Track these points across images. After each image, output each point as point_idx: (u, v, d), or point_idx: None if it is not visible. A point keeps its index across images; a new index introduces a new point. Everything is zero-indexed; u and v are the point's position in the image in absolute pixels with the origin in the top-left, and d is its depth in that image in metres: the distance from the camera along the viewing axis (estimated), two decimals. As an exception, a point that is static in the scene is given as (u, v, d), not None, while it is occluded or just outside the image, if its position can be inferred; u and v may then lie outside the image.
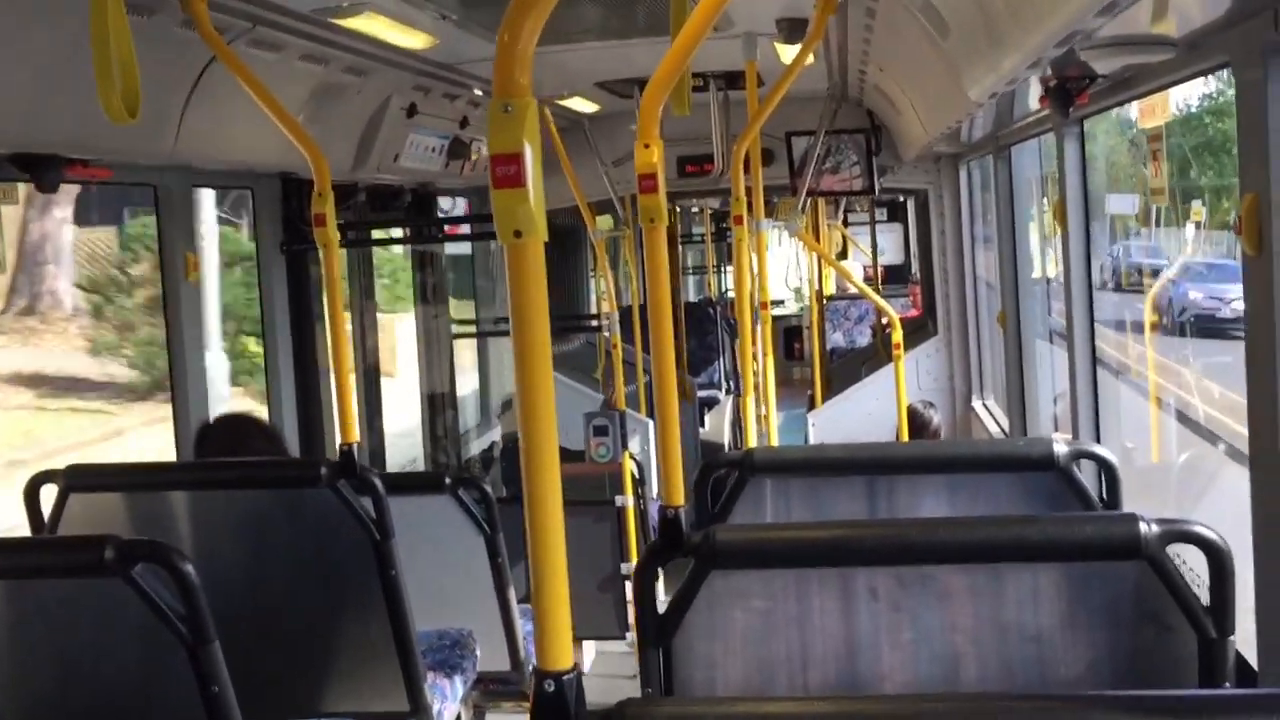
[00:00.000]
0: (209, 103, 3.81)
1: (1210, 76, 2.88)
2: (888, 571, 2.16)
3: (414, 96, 5.18)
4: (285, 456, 3.75)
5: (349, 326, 6.37)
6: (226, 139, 4.12)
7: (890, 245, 13.91)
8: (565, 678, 1.39)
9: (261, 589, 3.34)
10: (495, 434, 8.26)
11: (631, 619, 6.22)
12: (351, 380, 3.45)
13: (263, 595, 3.34)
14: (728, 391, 11.30)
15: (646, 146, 2.20)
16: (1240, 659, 2.47)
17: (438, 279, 7.14)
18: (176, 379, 4.28)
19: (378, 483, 3.18)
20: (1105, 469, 2.76)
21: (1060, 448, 2.73)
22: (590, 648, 6.67)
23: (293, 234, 5.02)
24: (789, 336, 12.15)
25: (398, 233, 6.49)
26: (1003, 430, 6.65)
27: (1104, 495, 2.78)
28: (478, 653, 3.91)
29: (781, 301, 14.99)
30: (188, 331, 4.27)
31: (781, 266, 15.24)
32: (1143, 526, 2.00)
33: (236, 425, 3.76)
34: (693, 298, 15.21)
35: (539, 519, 1.38)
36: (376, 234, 6.17)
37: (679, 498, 2.26)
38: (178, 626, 2.23)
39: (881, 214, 12.28)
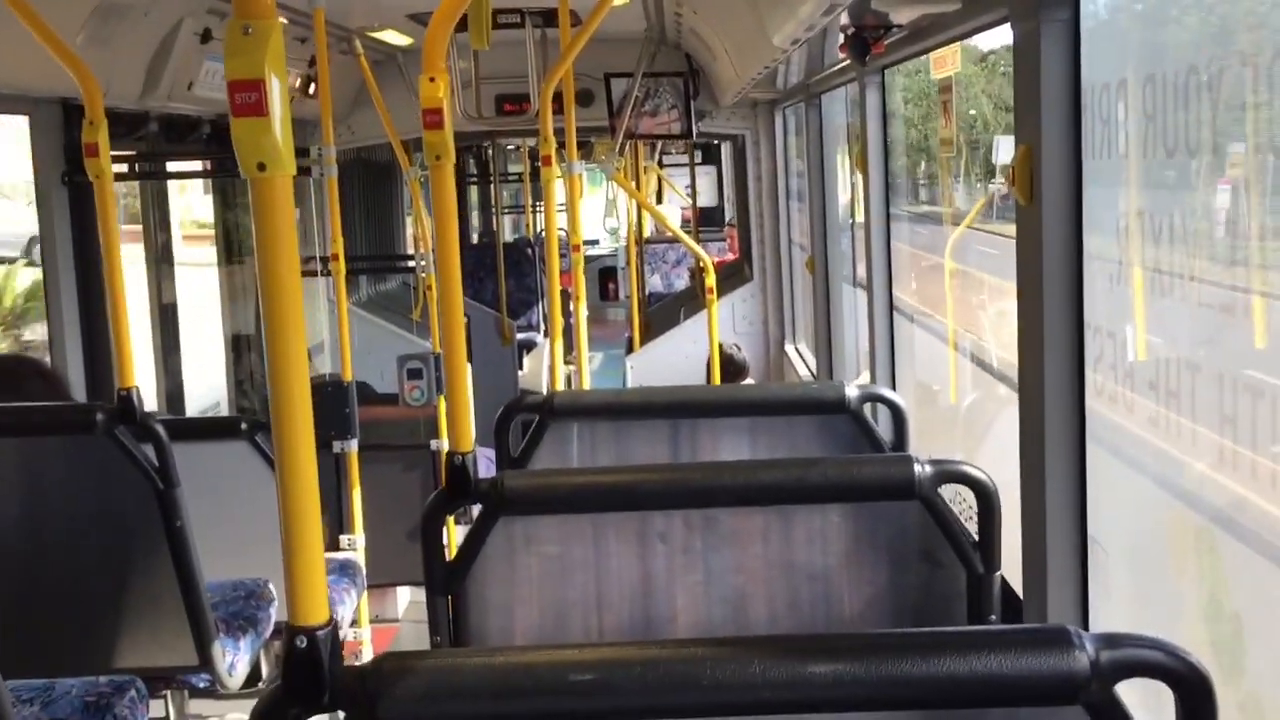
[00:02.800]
0: (-30, 19, 3.50)
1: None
2: (676, 514, 2.18)
3: (209, 20, 4.90)
4: (65, 401, 3.54)
5: (139, 264, 6.06)
6: (-6, 59, 3.82)
7: (705, 187, 14.08)
8: (319, 633, 1.34)
9: (38, 543, 3.17)
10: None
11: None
12: (127, 320, 3.26)
13: (39, 549, 3.17)
14: (546, 334, 11.27)
15: (432, 80, 2.12)
16: (1009, 592, 2.59)
17: (240, 214, 6.84)
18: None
19: (159, 429, 3.04)
20: (894, 411, 2.85)
21: (852, 391, 2.80)
22: (405, 593, 6.60)
23: (75, 164, 4.70)
24: (604, 277, 12.12)
25: (197, 165, 6.18)
26: (812, 373, 6.83)
27: (894, 437, 2.88)
28: (276, 602, 3.80)
29: (596, 241, 14.97)
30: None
31: (597, 208, 15.22)
32: (917, 468, 2.06)
33: (10, 368, 3.53)
34: (509, 237, 15.07)
35: (289, 472, 1.32)
36: (173, 166, 5.85)
37: (467, 444, 2.22)
38: None
39: (697, 156, 12.35)
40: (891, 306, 4.28)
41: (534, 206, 13.69)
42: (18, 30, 3.28)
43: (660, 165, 13.56)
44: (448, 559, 2.23)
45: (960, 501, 2.50)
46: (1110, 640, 1.23)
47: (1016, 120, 2.28)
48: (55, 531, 3.18)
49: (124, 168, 5.40)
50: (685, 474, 2.26)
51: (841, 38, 3.43)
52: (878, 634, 1.47)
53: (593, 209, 14.45)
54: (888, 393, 2.96)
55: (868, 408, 2.84)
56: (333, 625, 1.36)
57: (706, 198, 13.98)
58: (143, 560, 3.17)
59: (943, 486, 2.10)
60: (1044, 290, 2.19)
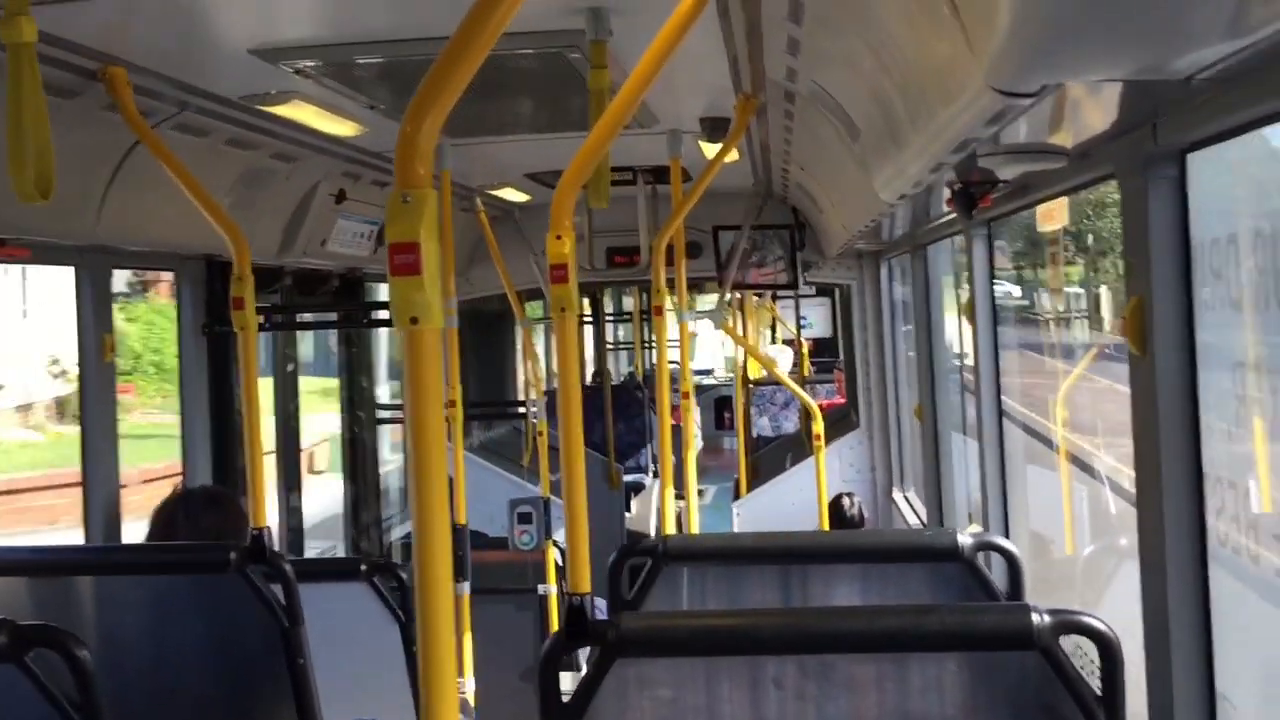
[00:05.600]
0: (133, 184, 3.82)
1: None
2: (792, 660, 2.19)
3: (343, 183, 5.22)
4: (230, 535, 3.64)
5: (269, 408, 6.34)
6: (150, 220, 4.13)
7: (819, 318, 14.22)
8: None
9: (166, 675, 3.27)
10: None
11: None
12: (262, 464, 3.43)
13: (167, 682, 3.26)
14: (655, 475, 11.31)
15: (559, 238, 2.25)
16: (1134, 749, 2.51)
17: (362, 363, 7.12)
18: (88, 460, 4.21)
19: (288, 569, 3.15)
20: (1009, 560, 2.82)
21: (965, 539, 2.79)
22: (510, 739, 6.56)
23: (216, 316, 5.00)
24: (719, 406, 12.21)
25: (325, 316, 6.50)
26: (921, 521, 6.74)
27: (1009, 586, 2.84)
28: (386, 744, 3.84)
29: (711, 370, 15.04)
30: (102, 411, 4.22)
31: (710, 342, 15.46)
32: (1035, 617, 2.04)
33: (194, 499, 3.68)
34: (623, 373, 15.27)
35: (430, 628, 1.39)
36: (303, 317, 6.17)
37: (585, 585, 2.27)
38: (72, 715, 2.19)
39: (811, 289, 12.57)
40: (1003, 454, 4.26)
41: (645, 344, 13.93)
42: (166, 193, 3.57)
43: (774, 299, 13.75)
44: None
45: (1079, 654, 2.46)
46: None
47: (1126, 272, 2.32)
48: (183, 665, 3.28)
49: (260, 319, 5.71)
50: (803, 619, 2.27)
51: (948, 193, 3.52)
52: None
53: (704, 340, 14.59)
54: (1002, 541, 2.93)
55: (981, 556, 2.82)
56: None
57: (821, 329, 14.10)
58: (265, 697, 3.25)
59: (1062, 638, 2.08)
60: (1160, 440, 2.19)
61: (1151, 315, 2.19)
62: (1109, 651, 2.04)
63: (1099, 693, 2.06)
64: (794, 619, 2.29)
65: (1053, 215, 3.22)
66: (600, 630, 2.21)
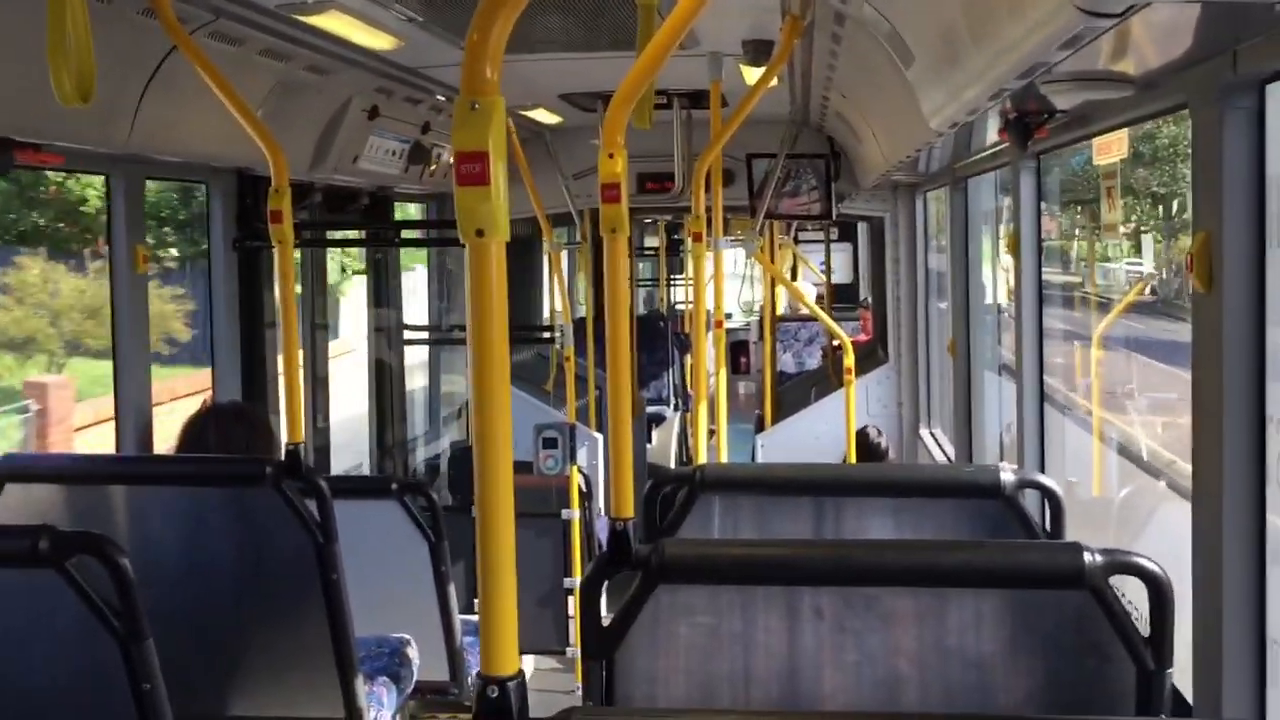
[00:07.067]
0: (167, 93, 3.76)
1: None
2: (833, 591, 2.17)
3: (376, 99, 5.14)
4: (258, 449, 3.64)
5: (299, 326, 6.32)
6: (183, 131, 4.07)
7: (840, 264, 14.10)
8: (510, 683, 1.37)
9: (199, 587, 3.30)
10: (444, 442, 8.21)
11: (574, 633, 6.20)
12: (300, 379, 3.41)
13: (200, 593, 3.29)
14: (675, 408, 11.30)
15: (611, 157, 2.20)
16: (1176, 692, 2.50)
17: (391, 284, 7.09)
18: (120, 370, 4.21)
19: (323, 485, 3.15)
20: (1050, 499, 2.79)
21: (1007, 476, 2.75)
22: (529, 661, 6.63)
23: (246, 230, 4.96)
24: (735, 351, 12.21)
25: (354, 234, 6.45)
26: (949, 459, 6.71)
27: (1048, 525, 2.81)
28: (416, 662, 3.87)
29: (730, 315, 14.96)
30: (134, 323, 4.20)
31: (734, 286, 15.33)
32: (1087, 557, 2.02)
33: (223, 414, 3.69)
34: (642, 310, 15.24)
35: (489, 523, 1.37)
36: (332, 235, 6.12)
37: (628, 510, 2.25)
38: (111, 622, 2.19)
39: (833, 234, 12.40)
40: (1042, 393, 4.21)
41: (669, 280, 13.78)
42: (200, 104, 3.51)
43: (796, 242, 13.61)
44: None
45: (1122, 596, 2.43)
46: None
47: (1195, 206, 2.25)
48: (216, 577, 3.30)
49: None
50: (847, 551, 2.25)
51: (1001, 122, 3.43)
52: None
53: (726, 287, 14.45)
54: (1045, 479, 2.89)
55: (1020, 494, 2.78)
56: (521, 677, 1.39)
57: (841, 275, 13.98)
58: (297, 611, 3.27)
59: (1111, 578, 2.05)
60: (1224, 380, 2.14)
61: (1221, 250, 2.13)
62: (1160, 593, 2.01)
63: (1146, 634, 2.04)
64: (841, 550, 2.26)
65: (1110, 148, 3.13)
66: (643, 556, 2.19)
